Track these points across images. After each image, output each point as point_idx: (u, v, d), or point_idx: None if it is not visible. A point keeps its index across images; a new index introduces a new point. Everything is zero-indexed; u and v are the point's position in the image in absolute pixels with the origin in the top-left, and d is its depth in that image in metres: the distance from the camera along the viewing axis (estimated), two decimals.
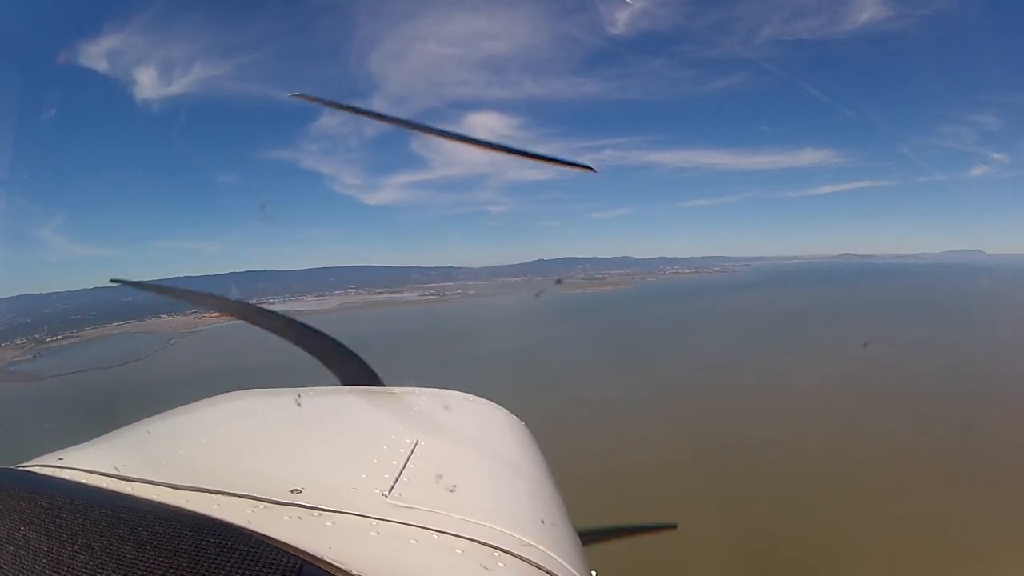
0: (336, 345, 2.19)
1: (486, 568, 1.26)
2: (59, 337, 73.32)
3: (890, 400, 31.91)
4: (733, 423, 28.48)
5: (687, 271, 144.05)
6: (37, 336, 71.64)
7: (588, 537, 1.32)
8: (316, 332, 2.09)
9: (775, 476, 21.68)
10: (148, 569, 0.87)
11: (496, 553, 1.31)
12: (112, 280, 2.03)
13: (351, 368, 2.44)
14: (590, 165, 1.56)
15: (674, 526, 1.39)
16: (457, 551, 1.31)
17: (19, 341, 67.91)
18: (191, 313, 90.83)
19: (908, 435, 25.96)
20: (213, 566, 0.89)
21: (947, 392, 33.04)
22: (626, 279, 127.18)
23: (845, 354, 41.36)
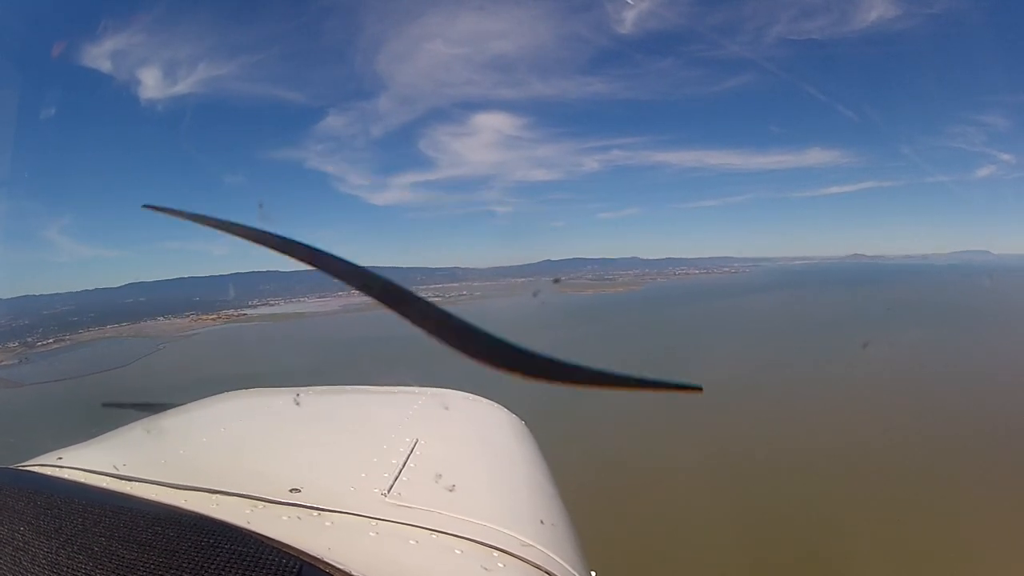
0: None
1: (485, 568, 1.26)
2: (50, 341, 72.19)
3: (922, 401, 31.44)
4: (786, 426, 27.75)
5: (696, 272, 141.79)
6: (29, 339, 70.47)
7: (606, 379, 1.19)
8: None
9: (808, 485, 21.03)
10: (147, 569, 0.88)
11: (496, 553, 1.32)
12: (144, 206, 1.79)
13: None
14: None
15: (699, 388, 1.20)
16: (456, 551, 1.31)
17: (11, 345, 66.75)
18: (187, 315, 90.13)
19: (946, 437, 25.54)
20: (212, 566, 0.89)
21: (980, 393, 32.61)
22: (635, 280, 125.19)
23: (872, 356, 41.04)
